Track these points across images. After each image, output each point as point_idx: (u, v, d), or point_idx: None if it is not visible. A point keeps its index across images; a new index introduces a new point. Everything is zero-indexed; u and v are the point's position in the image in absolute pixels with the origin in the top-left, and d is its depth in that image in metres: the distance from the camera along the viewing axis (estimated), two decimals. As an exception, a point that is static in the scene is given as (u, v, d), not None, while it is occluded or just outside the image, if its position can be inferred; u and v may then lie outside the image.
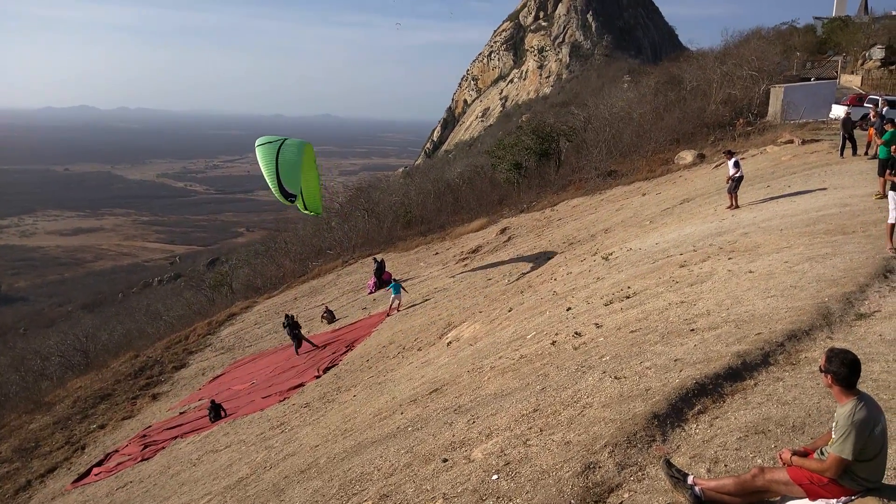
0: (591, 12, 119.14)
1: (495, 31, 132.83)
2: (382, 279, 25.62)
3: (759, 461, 4.44)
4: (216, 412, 16.03)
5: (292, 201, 14.38)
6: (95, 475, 15.68)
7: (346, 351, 18.11)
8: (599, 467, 4.75)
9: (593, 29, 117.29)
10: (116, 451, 16.93)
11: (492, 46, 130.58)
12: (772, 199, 15.19)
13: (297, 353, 19.41)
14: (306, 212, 16.92)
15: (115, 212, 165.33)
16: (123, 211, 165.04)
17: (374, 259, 27.01)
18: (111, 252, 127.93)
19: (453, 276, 22.98)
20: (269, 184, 14.25)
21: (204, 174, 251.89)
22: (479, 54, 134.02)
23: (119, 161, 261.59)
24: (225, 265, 56.39)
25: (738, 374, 5.77)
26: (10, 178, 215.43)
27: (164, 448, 15.48)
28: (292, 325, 19.57)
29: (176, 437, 15.89)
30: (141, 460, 15.19)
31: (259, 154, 14.58)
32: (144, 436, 17.10)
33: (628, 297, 9.83)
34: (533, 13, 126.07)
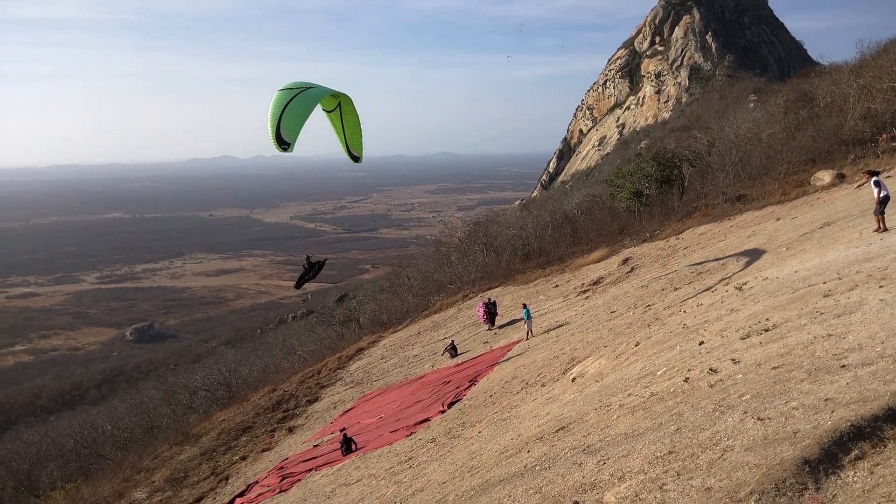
0: (710, 33, 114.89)
1: (610, 60, 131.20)
2: (494, 315, 25.74)
3: (933, 516, 4.00)
4: (347, 446, 16.55)
5: (285, 149, 13.47)
6: (238, 505, 16.60)
7: (470, 386, 18.18)
8: (745, 516, 4.46)
9: (713, 50, 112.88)
10: (257, 482, 17.85)
11: (606, 75, 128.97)
12: (928, 219, 13.81)
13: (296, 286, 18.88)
14: (351, 160, 16.14)
15: (253, 253, 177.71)
16: (261, 252, 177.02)
17: (488, 299, 27.02)
18: (250, 291, 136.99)
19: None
20: (269, 126, 13.31)
21: (332, 215, 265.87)
22: (594, 83, 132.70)
23: (256, 206, 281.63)
24: (352, 301, 58.61)
25: (900, 416, 5.24)
26: (162, 224, 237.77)
27: (300, 480, 16.14)
28: (311, 266, 18.76)
29: (311, 470, 16.53)
30: (279, 492, 15.91)
31: (274, 97, 13.24)
32: (282, 468, 17.93)
33: (767, 331, 9.23)
34: (648, 39, 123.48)
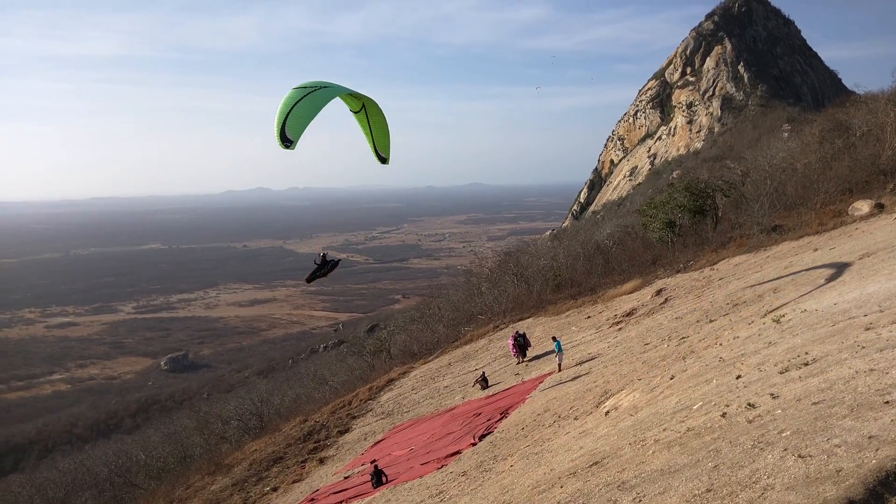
0: (741, 63, 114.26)
1: (640, 91, 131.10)
2: (525, 348, 25.42)
3: None
4: (378, 478, 16.46)
5: (287, 146, 13.35)
6: (269, 535, 16.56)
7: (501, 418, 18.01)
8: (787, 557, 4.33)
9: (745, 80, 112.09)
10: (288, 512, 17.83)
11: (637, 105, 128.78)
12: (975, 250, 13.42)
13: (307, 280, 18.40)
14: (379, 162, 15.87)
15: (286, 283, 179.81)
16: (293, 282, 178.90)
17: (517, 332, 26.60)
18: (283, 320, 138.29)
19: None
20: (275, 122, 13.18)
21: (364, 245, 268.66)
22: (625, 114, 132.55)
23: (290, 236, 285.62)
24: (383, 331, 58.66)
25: (949, 455, 5.07)
26: (198, 255, 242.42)
27: (330, 512, 16.09)
28: (324, 264, 18.28)
29: (341, 502, 16.46)
30: (309, 523, 15.86)
31: (287, 94, 13.23)
32: (313, 500, 17.88)
33: (807, 365, 9.02)
34: (679, 69, 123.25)
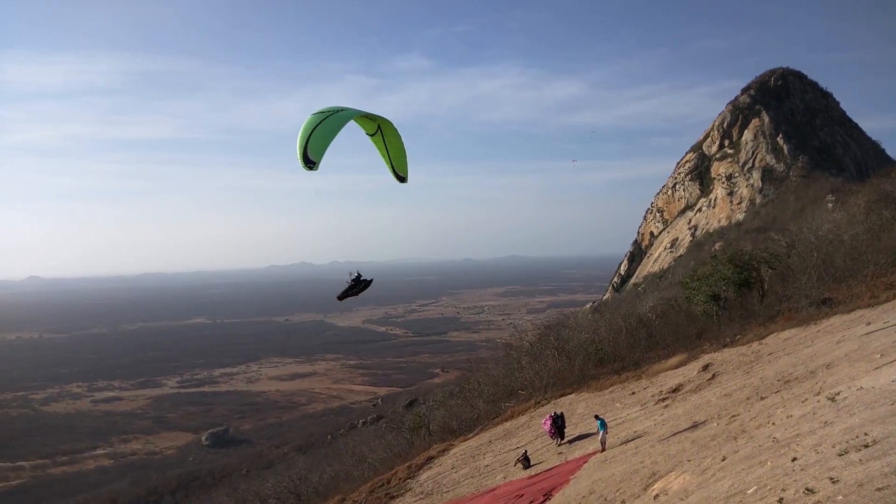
0: (780, 135, 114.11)
1: (678, 163, 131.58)
2: (563, 429, 24.61)
3: None
4: (418, 562, 15.95)
5: (310, 167, 13.58)
6: None
7: (544, 500, 17.42)
8: None
9: (785, 151, 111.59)
10: None
11: (676, 178, 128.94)
12: None
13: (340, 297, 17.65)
14: (397, 181, 15.88)
15: (326, 357, 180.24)
16: (333, 356, 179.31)
17: (555, 412, 25.75)
18: (322, 395, 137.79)
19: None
20: (297, 146, 13.22)
21: (403, 318, 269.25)
22: (664, 186, 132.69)
23: (330, 310, 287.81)
24: (422, 406, 57.90)
25: None
26: (241, 329, 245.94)
27: None
28: (357, 282, 17.62)
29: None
30: None
31: (306, 120, 13.65)
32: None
33: (867, 446, 8.62)
34: (717, 142, 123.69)
